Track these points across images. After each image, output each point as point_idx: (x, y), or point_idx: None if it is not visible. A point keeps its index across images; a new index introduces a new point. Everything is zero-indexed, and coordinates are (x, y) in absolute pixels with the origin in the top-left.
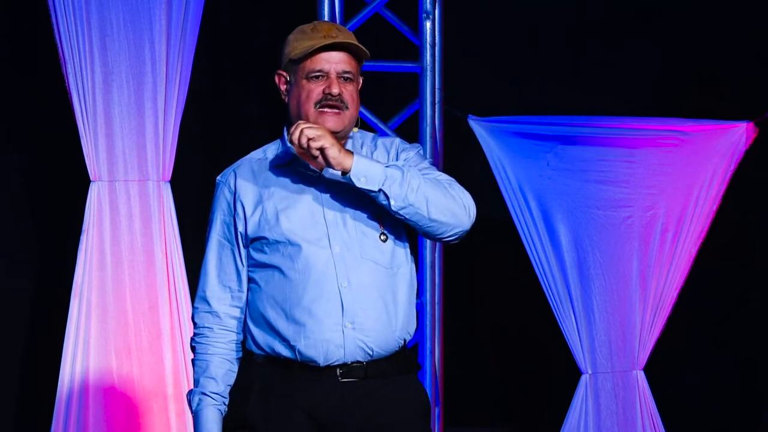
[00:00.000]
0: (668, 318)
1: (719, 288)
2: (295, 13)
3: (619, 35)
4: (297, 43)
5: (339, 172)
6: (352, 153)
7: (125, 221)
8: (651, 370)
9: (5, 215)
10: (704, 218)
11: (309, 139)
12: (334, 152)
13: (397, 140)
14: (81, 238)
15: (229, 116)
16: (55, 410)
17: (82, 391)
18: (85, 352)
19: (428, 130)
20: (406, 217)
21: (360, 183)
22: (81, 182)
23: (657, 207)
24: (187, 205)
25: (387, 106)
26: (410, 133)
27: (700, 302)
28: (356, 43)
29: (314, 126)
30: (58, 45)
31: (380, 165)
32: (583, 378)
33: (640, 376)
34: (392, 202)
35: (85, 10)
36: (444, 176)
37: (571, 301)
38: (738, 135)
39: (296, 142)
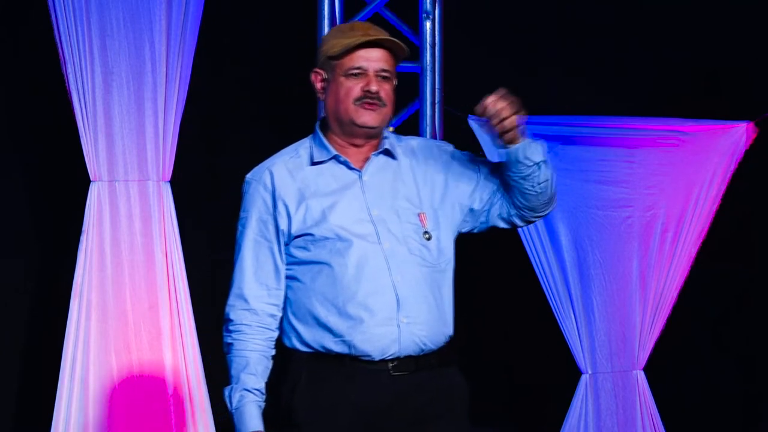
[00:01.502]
0: (668, 318)
1: (719, 288)
2: (295, 13)
3: (619, 35)
4: (335, 40)
5: (509, 148)
6: None
7: (125, 221)
8: (651, 370)
9: (5, 215)
10: (704, 218)
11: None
12: (511, 122)
13: (423, 139)
14: (81, 238)
15: (229, 116)
16: (55, 410)
17: (82, 391)
18: (85, 352)
19: (428, 130)
20: (539, 191)
21: (528, 154)
22: (81, 182)
23: (657, 207)
24: (187, 205)
25: None
26: (410, 133)
27: (700, 302)
28: (395, 39)
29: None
30: (58, 45)
31: (531, 137)
32: (583, 378)
33: (640, 376)
34: (545, 173)
35: (85, 10)
36: None
37: (571, 301)
38: (738, 135)
39: (496, 112)
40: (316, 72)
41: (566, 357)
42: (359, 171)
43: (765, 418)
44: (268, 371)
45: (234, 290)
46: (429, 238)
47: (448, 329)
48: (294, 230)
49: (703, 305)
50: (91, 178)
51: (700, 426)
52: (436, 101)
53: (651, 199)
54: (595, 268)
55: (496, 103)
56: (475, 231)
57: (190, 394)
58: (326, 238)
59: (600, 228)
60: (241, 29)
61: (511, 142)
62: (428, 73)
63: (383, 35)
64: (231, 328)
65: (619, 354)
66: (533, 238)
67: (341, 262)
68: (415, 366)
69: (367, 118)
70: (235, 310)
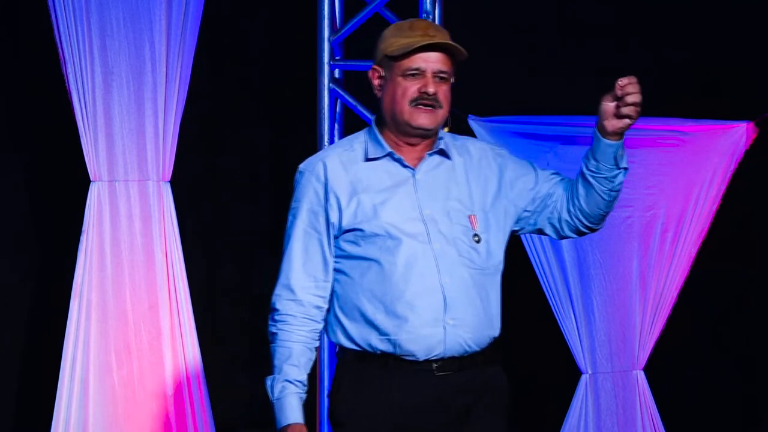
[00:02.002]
0: (668, 318)
1: (719, 288)
2: (295, 13)
3: (619, 35)
4: (394, 39)
5: (613, 140)
6: None
7: (125, 221)
8: (651, 370)
9: (5, 215)
10: (704, 218)
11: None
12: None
13: (480, 142)
14: (81, 238)
15: (229, 116)
16: (55, 410)
17: (82, 391)
18: (85, 352)
19: None
20: (609, 197)
21: (621, 154)
22: (81, 182)
23: (657, 207)
24: (187, 205)
25: None
26: None
27: (700, 302)
28: (454, 43)
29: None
30: (58, 45)
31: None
32: (583, 378)
33: (640, 376)
34: (620, 180)
35: (85, 10)
36: None
37: (571, 301)
38: (738, 135)
39: (633, 95)
40: (374, 69)
41: (566, 357)
42: (413, 169)
43: (765, 419)
44: (312, 363)
45: (281, 280)
46: (478, 241)
47: (494, 331)
48: (344, 224)
49: (703, 305)
50: (91, 178)
51: (700, 426)
52: None
53: (651, 199)
54: (595, 268)
55: (635, 86)
56: (523, 233)
57: (190, 394)
58: (376, 235)
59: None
60: (241, 29)
61: (619, 134)
62: None
63: (442, 37)
64: (276, 317)
65: (619, 354)
66: (533, 238)
67: (390, 260)
68: (458, 366)
69: (423, 120)
70: (281, 300)
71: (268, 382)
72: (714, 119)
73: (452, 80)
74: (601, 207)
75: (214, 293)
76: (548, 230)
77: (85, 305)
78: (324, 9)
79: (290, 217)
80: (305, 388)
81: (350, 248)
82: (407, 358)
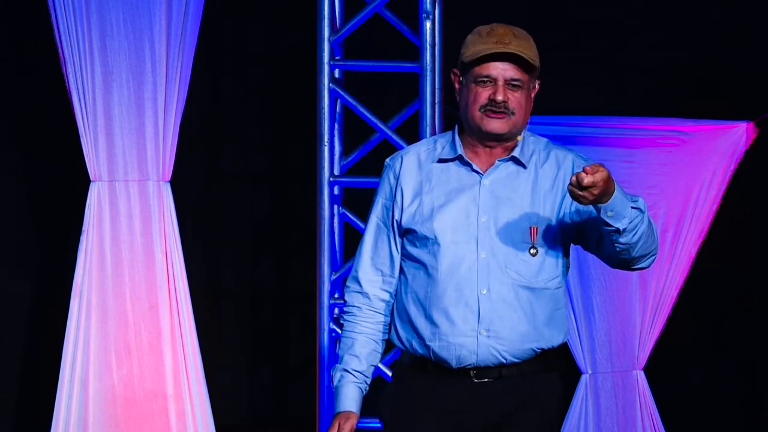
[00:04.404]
0: (668, 318)
1: (719, 288)
2: (295, 13)
3: (619, 35)
4: (471, 45)
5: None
6: (614, 186)
7: (125, 221)
8: (651, 370)
9: (5, 215)
10: (704, 218)
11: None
12: (589, 201)
13: (571, 155)
14: (81, 238)
15: (229, 116)
16: (55, 410)
17: (82, 391)
18: (85, 352)
19: (428, 130)
20: (618, 249)
21: (606, 216)
22: (81, 182)
23: (657, 207)
24: (187, 205)
25: (387, 106)
26: (410, 133)
27: (700, 302)
28: (526, 54)
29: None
30: (58, 45)
31: (629, 204)
32: (583, 378)
33: (640, 376)
34: (620, 238)
35: (85, 10)
36: (643, 202)
37: (571, 301)
38: (738, 135)
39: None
40: (454, 73)
41: (566, 357)
42: (481, 174)
43: (765, 419)
44: (377, 354)
45: (352, 272)
46: (535, 254)
47: (540, 343)
48: (403, 223)
49: (703, 305)
50: (91, 178)
51: (700, 426)
52: (436, 101)
53: (651, 199)
54: (595, 268)
55: (586, 189)
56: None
57: (190, 394)
58: (427, 238)
59: None
60: (241, 29)
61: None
62: (428, 73)
63: (517, 45)
64: (345, 309)
65: (619, 354)
66: None
67: (434, 265)
68: (498, 374)
69: (494, 125)
70: (349, 292)
71: (332, 372)
72: (714, 119)
73: (534, 85)
74: (622, 254)
75: (214, 293)
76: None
77: (85, 305)
78: (324, 9)
79: (370, 209)
80: (365, 378)
81: (410, 249)
82: (443, 365)
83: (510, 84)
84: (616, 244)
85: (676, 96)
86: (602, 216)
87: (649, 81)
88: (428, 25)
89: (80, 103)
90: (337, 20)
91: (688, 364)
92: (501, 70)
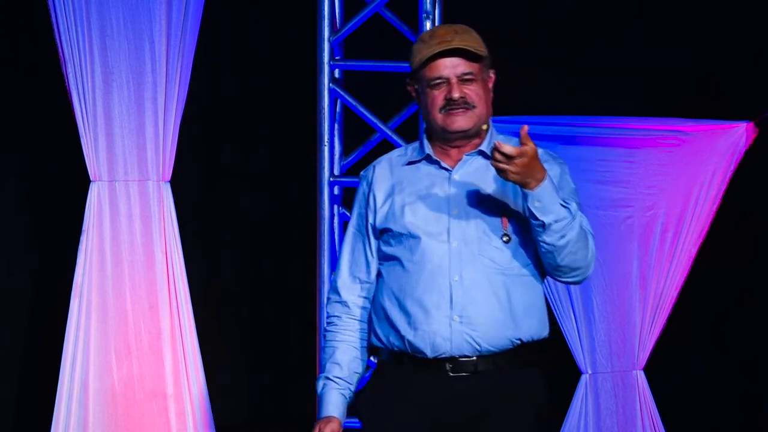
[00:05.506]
0: (668, 318)
1: (719, 288)
2: (295, 13)
3: (620, 35)
4: (417, 52)
5: (525, 191)
6: (544, 173)
7: (125, 221)
8: (651, 370)
9: (5, 215)
10: (704, 218)
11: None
12: (514, 178)
13: (540, 151)
14: (81, 238)
15: (229, 116)
16: (55, 410)
17: (82, 391)
18: (85, 352)
19: None
20: (542, 249)
21: (533, 206)
22: (81, 182)
23: (657, 207)
24: (187, 205)
25: (387, 106)
26: (410, 133)
27: (700, 302)
28: (470, 46)
29: (505, 155)
30: (58, 45)
31: (558, 200)
32: (583, 378)
33: (640, 376)
34: (543, 235)
35: (85, 10)
36: (586, 223)
37: (571, 301)
38: (738, 135)
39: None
40: (409, 83)
41: (566, 357)
42: (450, 170)
43: (765, 419)
44: (359, 361)
45: (332, 283)
46: (508, 241)
47: (517, 333)
48: (378, 224)
49: (703, 305)
50: (91, 178)
51: (700, 426)
52: None
53: (651, 199)
54: (594, 268)
55: (508, 159)
56: None
57: (190, 394)
58: (401, 234)
59: (600, 228)
60: (241, 29)
61: (525, 184)
62: None
63: (460, 39)
64: (327, 319)
65: (619, 354)
66: None
67: (408, 258)
68: (474, 368)
69: (458, 123)
70: (330, 303)
71: (317, 381)
72: (714, 119)
73: (488, 75)
74: (547, 257)
75: (214, 293)
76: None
77: (85, 305)
78: (324, 9)
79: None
80: (348, 384)
81: (386, 248)
82: (418, 355)
83: (462, 79)
84: (541, 243)
85: (676, 96)
86: (529, 205)
87: (649, 81)
88: (428, 25)
89: (80, 103)
90: (337, 20)
91: (688, 364)
92: (450, 68)
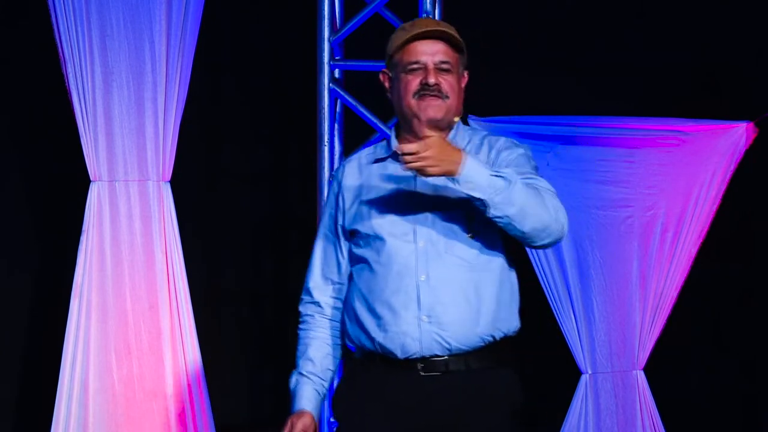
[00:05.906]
0: (668, 318)
1: (719, 288)
2: (295, 13)
3: (620, 35)
4: (397, 39)
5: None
6: (461, 154)
7: (125, 221)
8: (651, 370)
9: (5, 215)
10: (704, 218)
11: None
12: (435, 170)
13: (503, 139)
14: (81, 238)
15: (229, 116)
16: (55, 410)
17: (82, 391)
18: (85, 352)
19: None
20: (500, 224)
21: (466, 189)
22: (81, 182)
23: (657, 207)
24: (187, 205)
25: (387, 106)
26: None
27: (700, 302)
28: (451, 32)
29: (409, 147)
30: (58, 45)
31: (487, 173)
32: (583, 378)
33: (640, 376)
34: (491, 211)
35: (85, 10)
36: (543, 183)
37: (571, 301)
38: (738, 135)
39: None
40: (383, 73)
41: (566, 357)
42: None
43: (765, 419)
44: (332, 358)
45: (304, 284)
46: (473, 237)
47: (488, 330)
48: (347, 225)
49: (703, 305)
50: (91, 178)
51: (700, 426)
52: None
53: (651, 199)
54: (595, 268)
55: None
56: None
57: (190, 394)
58: (368, 235)
59: (600, 228)
60: (241, 29)
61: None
62: None
63: (440, 27)
64: (300, 319)
65: (619, 354)
66: None
67: (376, 259)
68: (445, 367)
69: (431, 112)
70: (302, 303)
71: (290, 378)
72: (714, 119)
73: (463, 74)
74: (509, 229)
75: (214, 293)
76: None
77: (85, 305)
78: (324, 9)
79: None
80: (321, 380)
81: (354, 249)
82: (389, 356)
83: (440, 68)
84: (496, 220)
85: (676, 96)
86: (463, 189)
87: (649, 81)
88: None
89: (80, 103)
90: (337, 20)
91: (688, 364)
92: (429, 54)
